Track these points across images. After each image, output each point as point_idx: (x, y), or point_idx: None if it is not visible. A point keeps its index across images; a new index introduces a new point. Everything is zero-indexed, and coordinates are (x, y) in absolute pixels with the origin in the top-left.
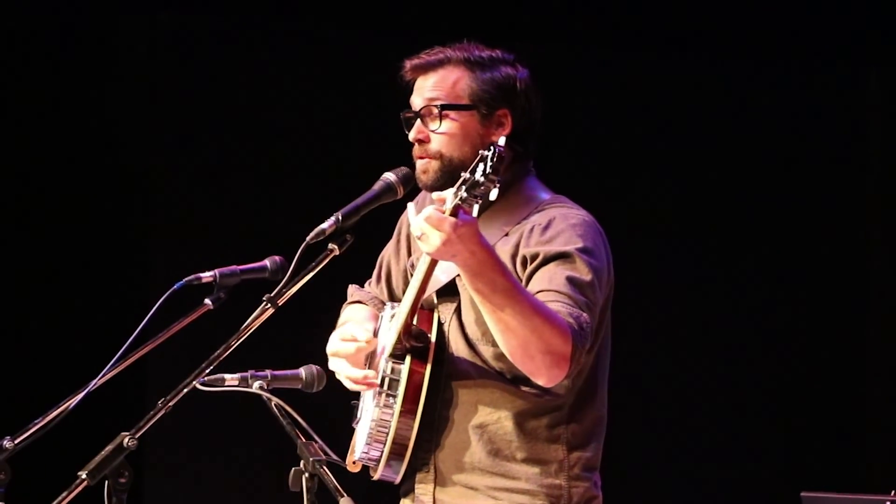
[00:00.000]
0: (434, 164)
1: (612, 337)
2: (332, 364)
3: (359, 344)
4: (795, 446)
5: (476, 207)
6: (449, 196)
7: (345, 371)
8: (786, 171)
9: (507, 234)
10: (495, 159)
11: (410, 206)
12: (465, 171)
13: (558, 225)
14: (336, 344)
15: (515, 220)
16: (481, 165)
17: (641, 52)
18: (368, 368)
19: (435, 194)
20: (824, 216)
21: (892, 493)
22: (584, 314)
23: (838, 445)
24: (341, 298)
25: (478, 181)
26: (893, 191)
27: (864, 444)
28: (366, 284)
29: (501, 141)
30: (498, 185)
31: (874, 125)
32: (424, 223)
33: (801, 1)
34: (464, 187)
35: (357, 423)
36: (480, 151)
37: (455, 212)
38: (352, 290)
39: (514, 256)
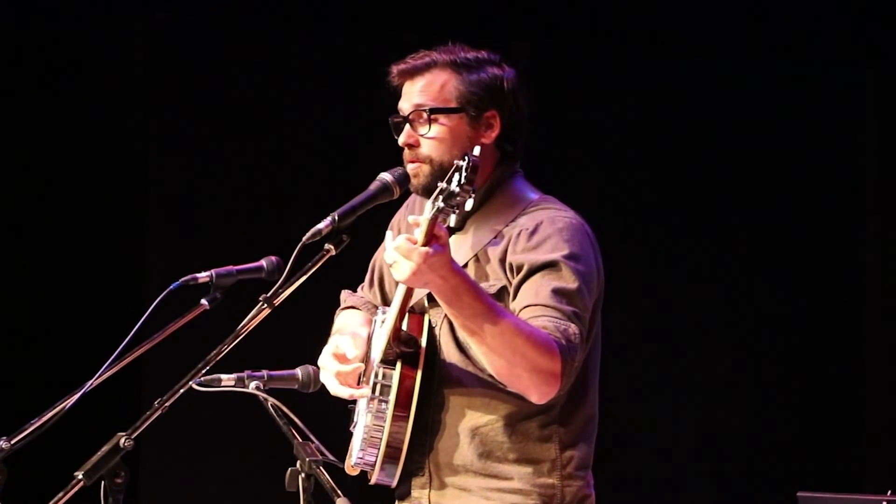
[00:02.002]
0: (425, 169)
1: (611, 336)
2: (323, 377)
3: (341, 368)
4: (792, 446)
5: (453, 217)
6: (427, 207)
7: (333, 388)
8: (784, 172)
9: (496, 236)
10: (469, 169)
11: (388, 234)
12: (442, 182)
13: (545, 230)
14: (326, 360)
15: (505, 220)
16: (456, 175)
17: (640, 52)
18: (364, 369)
19: (411, 218)
20: (822, 218)
21: (889, 493)
22: (572, 326)
23: (835, 445)
24: (337, 299)
25: (453, 191)
26: (891, 192)
27: (861, 444)
28: (359, 289)
29: (476, 150)
30: (473, 195)
31: (872, 128)
32: (395, 252)
33: (801, 3)
34: (441, 198)
35: (354, 427)
36: (455, 161)
37: (428, 242)
38: (345, 295)
39: (502, 261)
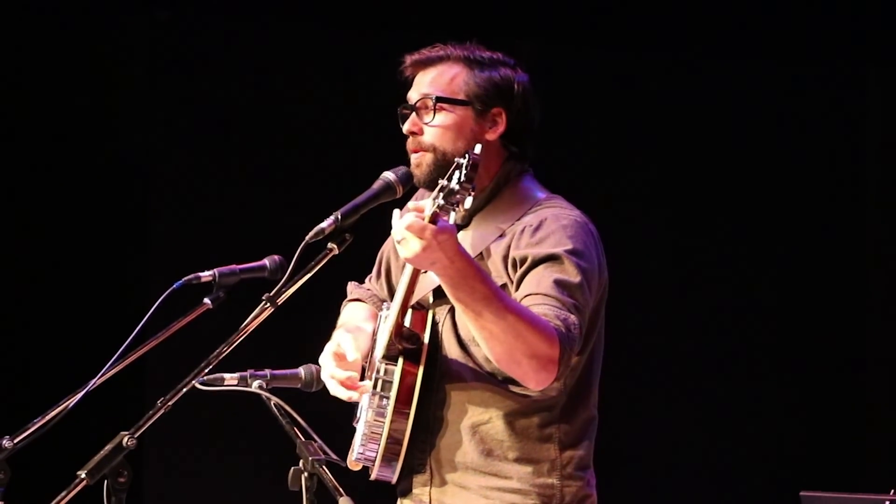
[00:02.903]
0: (428, 158)
1: (611, 336)
2: (323, 376)
3: (337, 372)
4: (794, 445)
5: (453, 215)
6: (428, 204)
7: (332, 389)
8: (785, 171)
9: (502, 235)
10: (469, 167)
11: (396, 212)
12: (443, 179)
13: (549, 226)
14: (326, 359)
15: (511, 219)
16: (457, 173)
17: (641, 53)
18: (368, 365)
19: (411, 204)
20: (823, 217)
21: (892, 492)
22: (573, 316)
23: (837, 445)
24: (340, 298)
25: (453, 189)
26: (893, 191)
27: (863, 443)
28: (366, 280)
29: (477, 149)
30: (472, 193)
31: (873, 126)
32: (405, 230)
33: (802, 1)
34: (441, 195)
35: (357, 422)
36: (456, 159)
37: (434, 219)
38: (351, 286)
39: (505, 258)
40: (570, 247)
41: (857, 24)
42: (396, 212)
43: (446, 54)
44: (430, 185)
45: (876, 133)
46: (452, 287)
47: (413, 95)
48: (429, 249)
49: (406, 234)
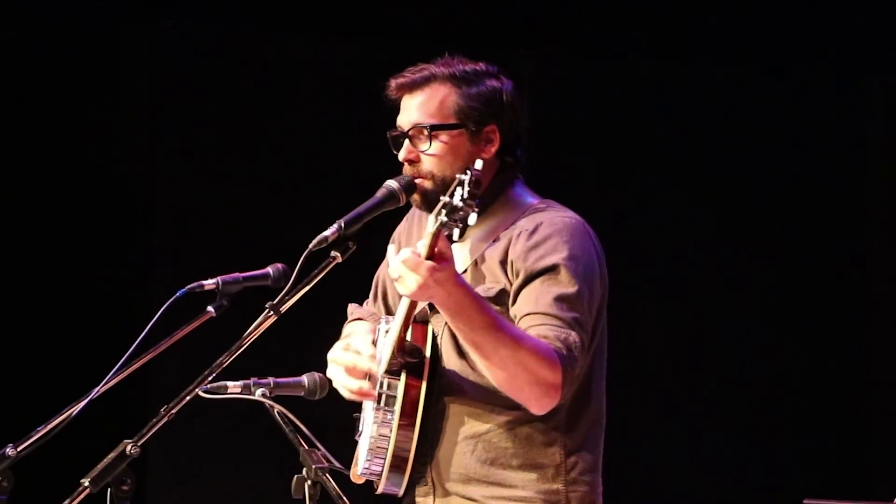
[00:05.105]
0: (427, 185)
1: (613, 340)
2: (331, 371)
3: (358, 359)
4: (798, 453)
5: (456, 231)
6: (430, 221)
7: (341, 380)
8: (788, 178)
9: (496, 240)
10: (472, 183)
11: (391, 248)
12: (444, 195)
13: (544, 230)
14: (337, 352)
15: (505, 225)
16: (459, 189)
17: (644, 58)
18: (370, 380)
19: (420, 243)
20: (826, 224)
21: (895, 500)
22: (573, 334)
23: (841, 452)
24: (344, 306)
25: (456, 206)
26: (895, 199)
27: (866, 451)
28: (364, 304)
29: (478, 164)
30: (476, 210)
31: (876, 133)
32: (402, 266)
33: (805, 8)
34: (444, 212)
35: (359, 436)
36: (458, 175)
37: (431, 255)
38: (352, 308)
39: (503, 262)
40: (566, 253)
41: (861, 32)
42: (391, 248)
43: (431, 74)
44: (431, 208)
45: (878, 141)
46: (451, 318)
47: (404, 122)
48: (424, 287)
49: (402, 270)
